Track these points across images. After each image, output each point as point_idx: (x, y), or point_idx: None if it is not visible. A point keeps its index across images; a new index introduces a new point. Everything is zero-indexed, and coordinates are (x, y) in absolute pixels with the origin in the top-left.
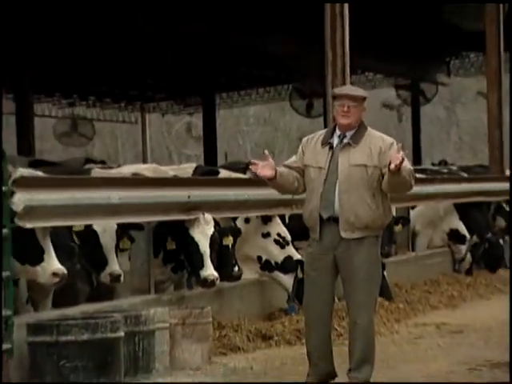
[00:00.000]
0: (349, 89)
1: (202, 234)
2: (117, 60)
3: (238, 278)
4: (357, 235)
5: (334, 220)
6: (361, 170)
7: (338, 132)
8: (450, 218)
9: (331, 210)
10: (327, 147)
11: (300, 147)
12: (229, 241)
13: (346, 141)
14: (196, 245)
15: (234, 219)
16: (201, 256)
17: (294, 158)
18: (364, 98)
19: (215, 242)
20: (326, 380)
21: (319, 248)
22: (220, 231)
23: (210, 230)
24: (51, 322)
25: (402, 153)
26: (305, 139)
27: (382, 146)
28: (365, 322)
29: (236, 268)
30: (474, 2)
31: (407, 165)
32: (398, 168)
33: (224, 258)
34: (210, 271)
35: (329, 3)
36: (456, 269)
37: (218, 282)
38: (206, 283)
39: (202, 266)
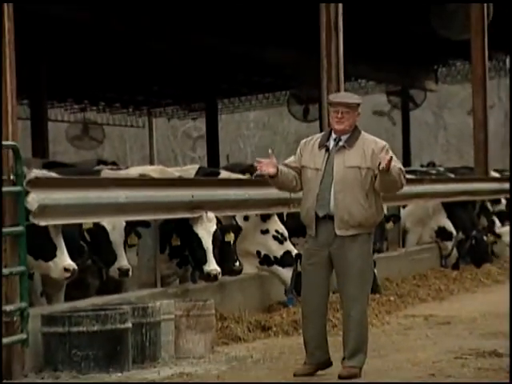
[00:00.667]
0: (343, 96)
1: (205, 231)
2: (125, 68)
3: (239, 272)
4: (351, 232)
5: (330, 218)
6: (355, 172)
7: (333, 136)
8: (438, 216)
9: (327, 209)
10: (324, 150)
11: (298, 149)
12: (230, 237)
13: (341, 144)
14: (199, 241)
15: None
16: (204, 252)
17: (292, 159)
18: (358, 104)
19: (217, 238)
20: (322, 368)
21: (315, 244)
22: (222, 228)
23: (213, 227)
24: (64, 313)
25: (390, 154)
26: (303, 142)
27: (374, 148)
28: (358, 315)
29: (237, 263)
30: (462, 1)
31: (397, 165)
32: (387, 168)
33: (226, 254)
34: (212, 266)
35: (324, 15)
36: (443, 264)
37: (220, 276)
38: (209, 277)
39: (205, 261)
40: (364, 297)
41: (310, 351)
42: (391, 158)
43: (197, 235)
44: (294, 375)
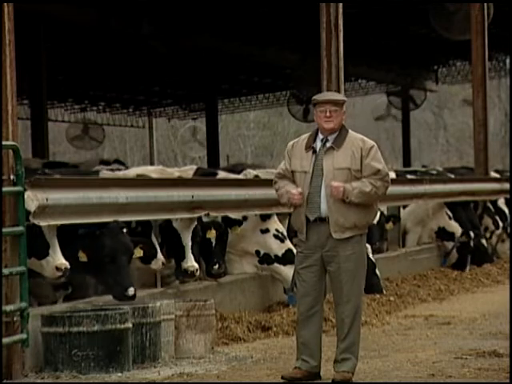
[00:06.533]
0: (329, 94)
1: (185, 227)
2: (126, 68)
3: (219, 275)
4: (346, 235)
5: (321, 220)
6: (345, 173)
7: (320, 136)
8: (439, 216)
9: (317, 212)
10: (310, 152)
11: (286, 153)
12: (212, 234)
13: (328, 145)
14: (178, 237)
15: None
16: (183, 248)
17: (282, 165)
18: (344, 102)
19: (197, 235)
20: (310, 378)
21: (307, 248)
22: (203, 225)
23: (193, 223)
24: (64, 313)
25: (338, 188)
26: (290, 144)
27: (362, 147)
28: (350, 317)
29: (216, 266)
30: (465, 1)
31: (355, 190)
32: (341, 198)
33: (206, 255)
34: (190, 263)
35: (324, 15)
36: (442, 264)
37: (198, 273)
38: (187, 274)
39: (183, 257)
40: (357, 298)
41: (301, 358)
42: (341, 190)
43: (176, 231)
44: (282, 377)
